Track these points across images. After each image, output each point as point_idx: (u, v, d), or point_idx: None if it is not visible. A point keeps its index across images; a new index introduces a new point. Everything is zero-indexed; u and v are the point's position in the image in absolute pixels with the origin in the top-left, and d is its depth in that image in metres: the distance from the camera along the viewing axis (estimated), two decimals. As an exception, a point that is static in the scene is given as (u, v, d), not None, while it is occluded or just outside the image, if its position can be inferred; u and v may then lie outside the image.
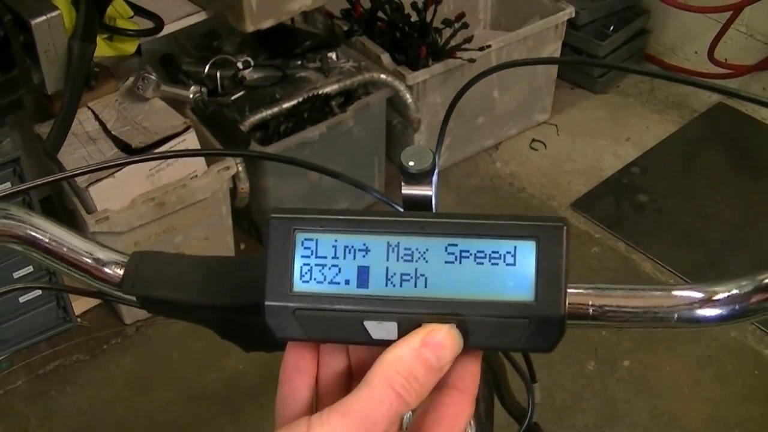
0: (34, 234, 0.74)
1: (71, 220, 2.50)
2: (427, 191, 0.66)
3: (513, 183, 3.24)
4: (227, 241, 2.79)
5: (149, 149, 2.45)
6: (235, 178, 2.59)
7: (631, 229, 3.05)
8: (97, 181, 2.36)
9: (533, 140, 3.43)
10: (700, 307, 0.67)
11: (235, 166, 2.56)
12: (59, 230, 0.74)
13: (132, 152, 2.45)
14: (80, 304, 2.73)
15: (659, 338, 2.67)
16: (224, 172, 2.54)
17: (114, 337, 2.72)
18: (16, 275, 2.48)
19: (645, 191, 3.21)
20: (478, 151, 3.34)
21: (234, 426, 2.51)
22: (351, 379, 0.66)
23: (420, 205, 0.66)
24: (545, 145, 3.41)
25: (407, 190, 0.66)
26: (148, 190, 2.46)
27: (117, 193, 2.41)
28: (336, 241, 0.62)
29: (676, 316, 0.67)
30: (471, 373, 0.64)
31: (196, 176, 2.52)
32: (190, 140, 2.50)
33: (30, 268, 2.50)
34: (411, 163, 0.64)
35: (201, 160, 2.54)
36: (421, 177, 0.65)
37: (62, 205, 2.60)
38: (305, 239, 0.62)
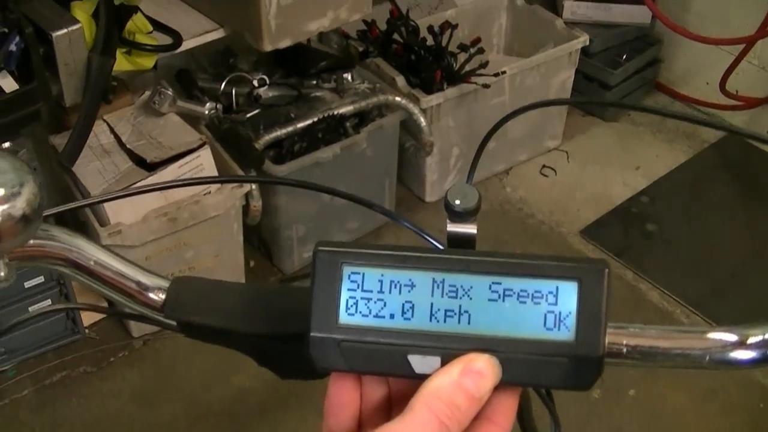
0: (79, 257, 0.75)
1: (83, 232, 2.50)
2: (471, 229, 0.67)
3: (522, 208, 3.25)
4: (238, 258, 2.79)
5: (164, 164, 2.46)
6: (248, 196, 2.60)
7: (639, 258, 3.05)
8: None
9: (544, 166, 3.44)
10: (733, 350, 0.67)
11: (248, 184, 2.57)
12: (103, 253, 0.76)
13: (146, 167, 2.46)
14: (89, 316, 2.74)
15: (664, 368, 2.67)
16: (237, 190, 2.55)
17: (121, 350, 2.72)
18: (27, 285, 2.49)
19: (653, 220, 3.22)
20: (488, 175, 3.35)
21: (239, 443, 2.52)
22: (391, 408, 0.67)
23: (464, 242, 0.67)
24: (555, 172, 3.42)
25: (452, 228, 0.67)
26: (161, 205, 2.46)
27: (130, 207, 2.42)
28: (382, 275, 0.63)
29: (708, 358, 0.68)
30: (508, 408, 0.64)
31: (210, 193, 2.52)
32: (204, 157, 2.51)
33: (41, 279, 2.51)
34: (457, 202, 0.66)
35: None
36: (466, 215, 0.66)
37: (74, 216, 2.60)
38: (352, 272, 0.63)
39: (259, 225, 2.76)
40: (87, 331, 2.74)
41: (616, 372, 2.63)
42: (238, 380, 2.63)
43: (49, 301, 2.58)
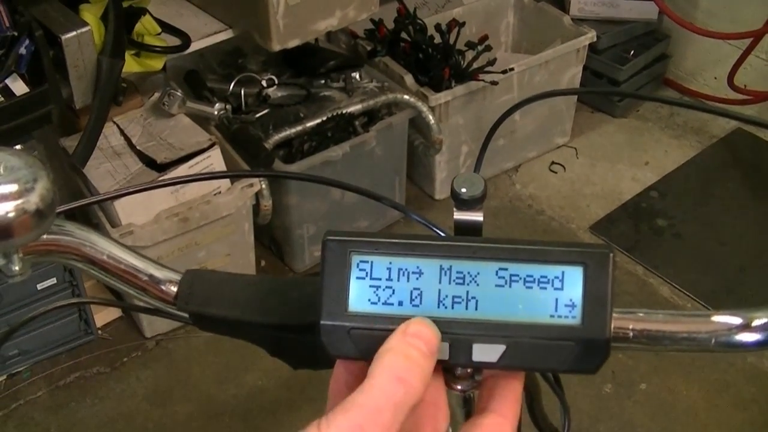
0: (92, 251, 0.76)
1: (95, 234, 2.52)
2: (477, 217, 0.68)
3: (532, 205, 3.26)
4: (249, 257, 2.81)
5: (174, 165, 2.47)
6: (258, 195, 2.61)
7: (650, 253, 3.06)
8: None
9: (553, 163, 3.45)
10: (738, 333, 0.68)
11: (258, 183, 2.58)
12: (115, 247, 0.77)
13: (157, 168, 2.47)
14: (102, 317, 2.75)
15: (676, 362, 2.68)
16: (248, 189, 2.56)
17: (134, 350, 2.74)
18: (40, 287, 2.50)
19: (663, 215, 3.22)
20: (498, 173, 3.36)
21: (252, 441, 2.53)
22: None
23: (470, 229, 0.68)
24: (565, 168, 3.43)
25: (459, 216, 0.68)
26: (172, 205, 2.48)
27: (142, 208, 2.43)
28: (390, 263, 0.63)
29: (714, 340, 0.68)
30: (511, 400, 0.65)
31: (220, 193, 2.54)
32: (214, 157, 2.52)
33: (53, 280, 2.52)
34: (463, 190, 0.66)
35: (225, 176, 2.56)
36: (472, 203, 0.67)
37: (85, 217, 2.62)
38: (360, 261, 0.63)
39: (270, 224, 2.77)
40: (100, 331, 2.76)
41: (627, 366, 2.64)
42: (251, 379, 2.64)
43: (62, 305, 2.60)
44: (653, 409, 2.58)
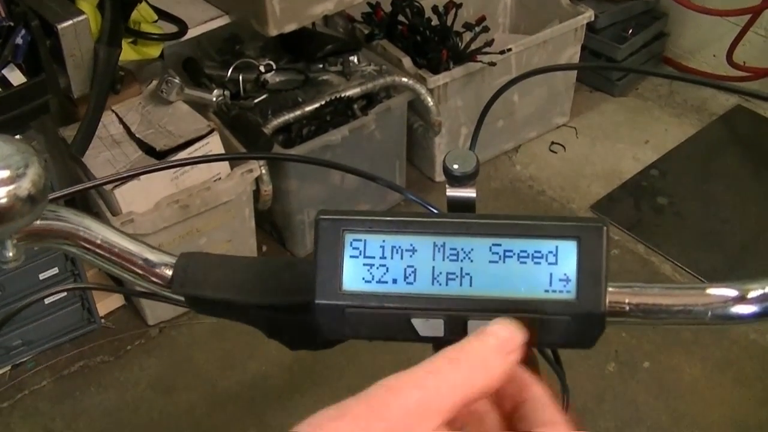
0: (86, 236, 0.76)
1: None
2: (470, 193, 0.67)
3: (533, 185, 3.25)
4: (250, 243, 2.81)
5: (173, 152, 2.47)
6: (258, 181, 2.61)
7: (651, 232, 3.06)
8: (122, 183, 2.38)
9: (553, 143, 3.44)
10: (734, 305, 0.68)
11: (258, 168, 2.58)
12: (110, 232, 0.77)
13: (156, 155, 2.47)
14: (104, 306, 2.76)
15: (679, 340, 2.68)
16: (248, 175, 2.56)
17: (138, 339, 2.74)
18: (42, 276, 2.50)
19: (664, 194, 3.22)
20: (498, 153, 3.35)
21: (257, 427, 2.52)
22: None
23: (463, 206, 0.68)
24: (565, 148, 3.42)
25: (451, 192, 0.68)
26: (172, 192, 2.47)
27: (142, 196, 2.43)
28: (384, 241, 0.63)
29: (710, 313, 0.68)
30: (545, 404, 0.62)
31: (220, 179, 2.54)
32: (213, 143, 2.52)
33: (56, 270, 2.52)
34: (455, 166, 0.66)
35: (225, 162, 2.56)
36: (464, 179, 0.67)
37: (86, 206, 2.61)
38: (354, 240, 0.63)
39: (271, 210, 2.77)
40: (103, 320, 2.76)
41: (630, 345, 2.65)
42: (255, 365, 2.64)
43: (64, 294, 2.60)
44: (656, 388, 2.59)
